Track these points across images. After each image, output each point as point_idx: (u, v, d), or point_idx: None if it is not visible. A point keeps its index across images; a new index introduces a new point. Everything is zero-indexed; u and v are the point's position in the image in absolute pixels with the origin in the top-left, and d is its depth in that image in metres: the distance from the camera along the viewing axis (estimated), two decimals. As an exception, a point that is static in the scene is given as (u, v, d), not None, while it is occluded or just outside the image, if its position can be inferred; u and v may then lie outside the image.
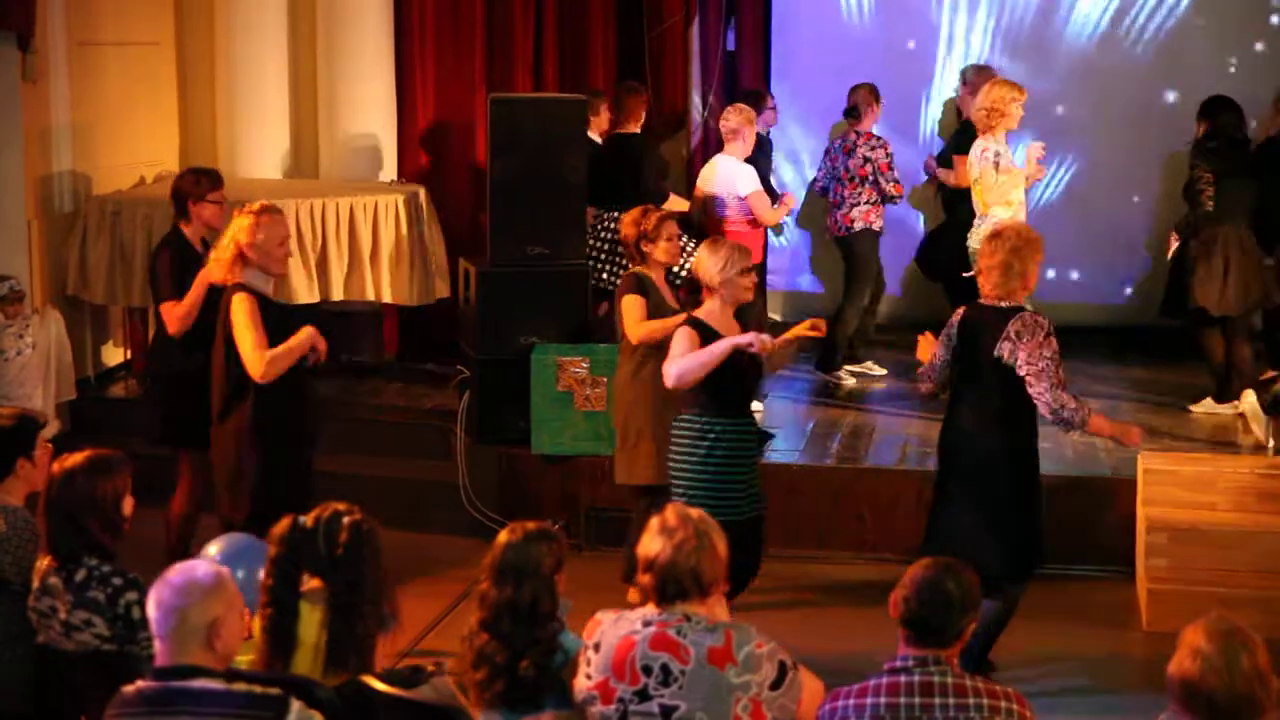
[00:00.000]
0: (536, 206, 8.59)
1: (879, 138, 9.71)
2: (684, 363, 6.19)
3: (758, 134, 9.73)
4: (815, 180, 10.28)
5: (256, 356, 6.23)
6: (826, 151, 9.98)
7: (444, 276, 9.91)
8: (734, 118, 9.07)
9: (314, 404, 6.88)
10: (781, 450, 8.53)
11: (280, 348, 6.29)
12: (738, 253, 6.37)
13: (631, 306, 7.02)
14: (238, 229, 6.42)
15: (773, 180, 10.46)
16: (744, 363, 6.27)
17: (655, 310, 7.03)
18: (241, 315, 6.25)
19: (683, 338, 6.26)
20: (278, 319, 6.42)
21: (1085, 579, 7.75)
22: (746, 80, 11.09)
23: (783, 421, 9.10)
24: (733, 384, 6.32)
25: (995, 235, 6.26)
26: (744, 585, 6.36)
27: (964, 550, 5.74)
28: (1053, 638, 7.03)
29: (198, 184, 7.26)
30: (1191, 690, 3.38)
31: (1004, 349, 6.04)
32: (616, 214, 9.57)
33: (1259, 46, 10.95)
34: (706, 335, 6.26)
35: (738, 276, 6.31)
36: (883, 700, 3.83)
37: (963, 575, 3.97)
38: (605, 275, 9.40)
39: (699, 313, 6.38)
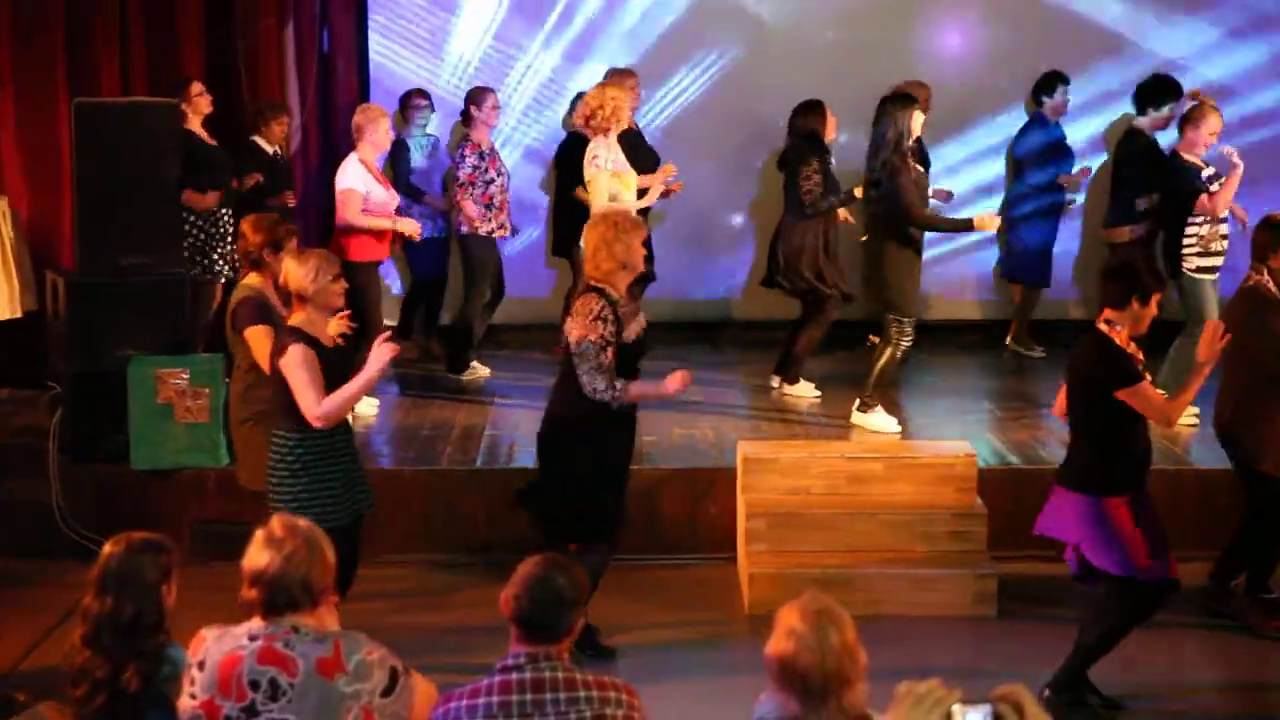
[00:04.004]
0: (130, 215, 8.34)
1: (471, 146, 9.92)
2: (333, 404, 6.09)
3: (398, 138, 9.79)
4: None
5: None
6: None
7: (30, 289, 9.47)
8: (355, 117, 9.23)
9: None
10: (386, 455, 8.56)
11: None
12: (326, 261, 6.28)
13: (263, 340, 6.70)
14: None
15: (419, 181, 10.47)
16: (334, 373, 6.21)
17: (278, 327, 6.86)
18: None
19: (304, 359, 6.08)
20: None
21: (692, 566, 7.98)
22: (341, 83, 11.00)
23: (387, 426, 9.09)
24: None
25: (604, 218, 6.72)
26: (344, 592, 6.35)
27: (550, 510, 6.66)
28: (661, 625, 7.24)
29: None
30: (787, 668, 3.52)
31: (566, 324, 6.55)
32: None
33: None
34: (315, 346, 6.16)
35: (329, 284, 6.22)
36: (495, 699, 3.86)
37: (571, 571, 4.04)
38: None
39: (298, 324, 6.24)
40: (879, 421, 8.76)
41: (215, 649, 3.88)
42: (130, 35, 10.36)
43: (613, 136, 8.69)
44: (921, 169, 8.89)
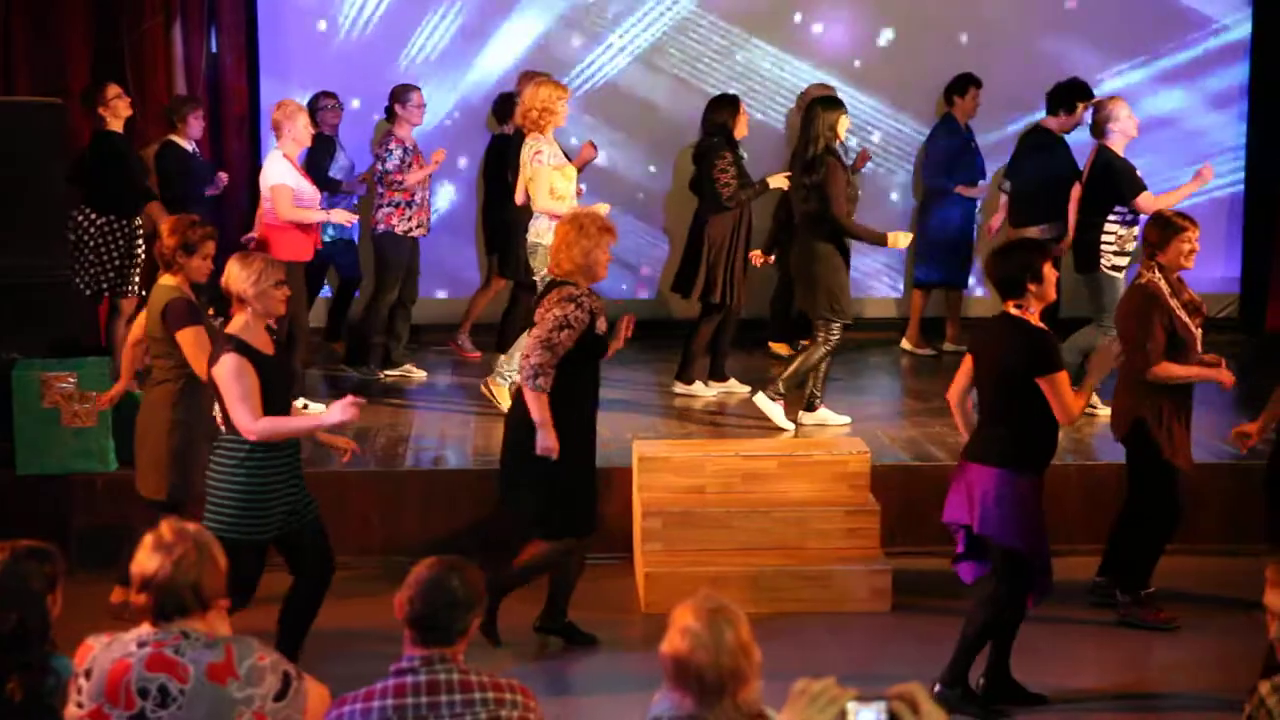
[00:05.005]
0: (12, 216, 8.22)
1: (396, 141, 9.85)
2: (271, 425, 6.01)
3: (321, 134, 9.70)
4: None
5: None
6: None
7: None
8: (274, 114, 9.14)
9: None
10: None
11: None
12: (270, 265, 6.18)
13: (195, 343, 6.63)
14: None
15: (338, 177, 10.40)
16: (271, 382, 6.11)
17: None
18: None
19: (238, 370, 5.97)
20: None
21: (589, 566, 7.94)
22: (230, 82, 10.88)
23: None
24: (265, 407, 6.12)
25: (571, 219, 6.78)
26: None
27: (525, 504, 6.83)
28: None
29: None
30: (681, 666, 3.52)
31: (538, 315, 6.62)
32: (95, 214, 9.23)
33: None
34: (253, 357, 6.05)
35: (271, 289, 6.11)
36: (390, 702, 3.83)
37: (466, 573, 4.01)
38: (84, 280, 9.13)
39: (236, 330, 6.15)
40: (779, 417, 8.80)
41: (103, 656, 3.82)
42: (12, 32, 10.18)
43: (550, 133, 8.76)
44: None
